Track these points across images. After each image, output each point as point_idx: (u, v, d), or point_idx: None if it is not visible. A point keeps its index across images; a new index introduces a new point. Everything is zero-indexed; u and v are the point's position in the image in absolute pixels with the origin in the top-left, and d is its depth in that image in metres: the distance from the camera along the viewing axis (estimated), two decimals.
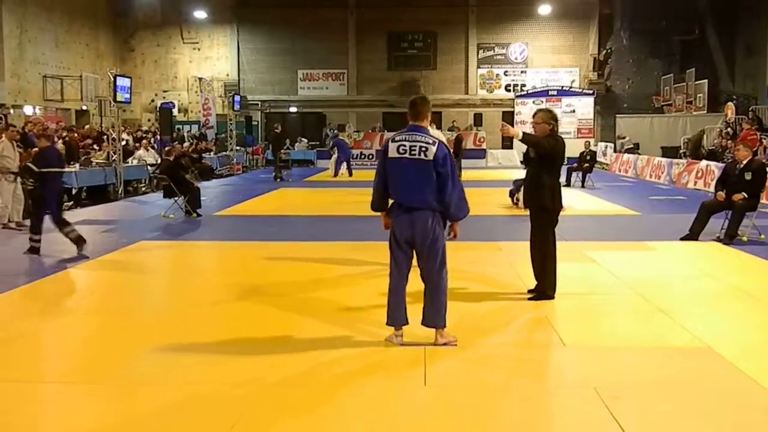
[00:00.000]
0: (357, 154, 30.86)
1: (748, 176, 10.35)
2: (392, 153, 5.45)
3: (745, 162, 10.53)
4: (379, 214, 5.77)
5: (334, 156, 25.75)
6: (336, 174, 25.18)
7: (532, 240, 6.99)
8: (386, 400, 4.51)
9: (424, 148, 5.36)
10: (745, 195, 10.26)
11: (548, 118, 6.98)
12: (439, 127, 18.54)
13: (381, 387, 4.74)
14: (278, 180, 23.39)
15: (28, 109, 25.86)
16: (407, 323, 5.52)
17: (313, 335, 5.85)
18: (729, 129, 22.90)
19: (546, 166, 6.87)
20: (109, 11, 33.05)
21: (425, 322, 5.49)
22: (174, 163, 14.57)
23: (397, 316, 5.49)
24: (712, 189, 11.64)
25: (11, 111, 24.44)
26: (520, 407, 4.42)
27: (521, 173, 14.61)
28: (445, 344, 5.44)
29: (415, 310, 5.50)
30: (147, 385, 4.80)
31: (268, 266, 9.06)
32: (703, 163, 19.95)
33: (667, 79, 31.66)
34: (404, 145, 5.44)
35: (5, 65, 24.56)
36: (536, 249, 6.94)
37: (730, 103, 26.01)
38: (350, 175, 25.04)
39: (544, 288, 6.88)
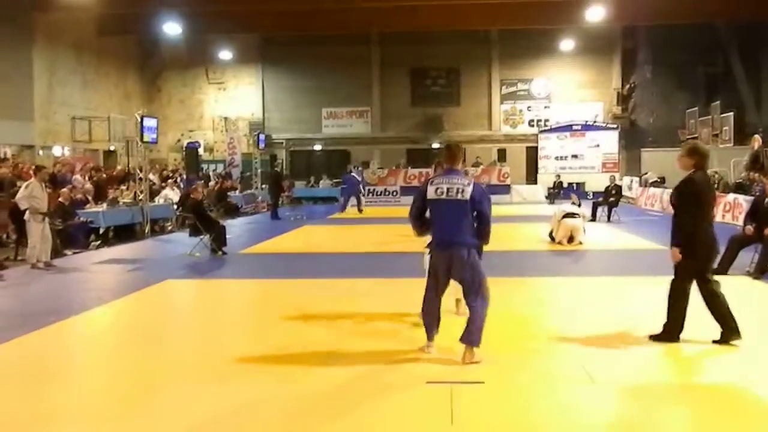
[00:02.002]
0: (381, 191, 30.97)
1: None
2: (431, 194, 6.03)
3: None
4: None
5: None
6: (343, 209, 25.29)
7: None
8: None
9: (460, 189, 5.93)
10: None
11: (692, 152, 6.55)
12: (462, 164, 18.48)
13: (407, 426, 4.69)
14: (278, 218, 23.32)
15: (57, 150, 26.23)
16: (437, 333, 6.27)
17: (340, 373, 5.81)
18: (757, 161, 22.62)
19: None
20: (137, 52, 33.59)
21: (462, 339, 5.94)
22: (199, 202, 14.68)
23: (430, 333, 6.27)
24: (740, 222, 11.48)
25: (40, 152, 24.85)
26: None
27: (547, 208, 14.57)
28: (471, 362, 5.83)
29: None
30: (174, 420, 4.78)
31: (295, 303, 9.03)
32: (731, 196, 19.74)
33: (692, 112, 31.47)
34: (441, 188, 6.00)
35: (35, 107, 24.97)
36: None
37: (756, 135, 25.74)
38: (360, 211, 25.14)
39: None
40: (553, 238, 14.62)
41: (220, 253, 13.89)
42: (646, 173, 28.87)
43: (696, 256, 6.45)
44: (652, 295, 8.94)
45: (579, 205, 15.52)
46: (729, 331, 6.47)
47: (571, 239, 14.24)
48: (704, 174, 6.62)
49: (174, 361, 6.42)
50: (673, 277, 6.66)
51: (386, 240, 16.09)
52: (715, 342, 6.47)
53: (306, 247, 15.33)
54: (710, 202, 6.67)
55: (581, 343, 6.51)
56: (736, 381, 5.45)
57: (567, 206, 15.32)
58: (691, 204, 6.39)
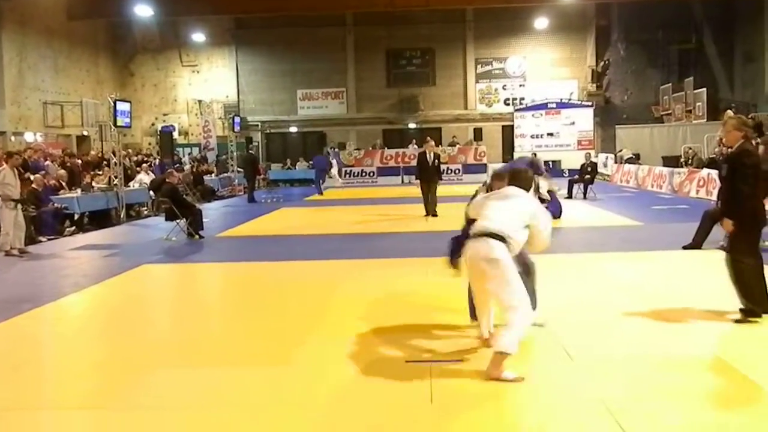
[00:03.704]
0: (358, 172, 30.97)
1: None
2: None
3: None
4: None
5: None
6: (320, 192, 25.30)
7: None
8: (392, 418, 4.47)
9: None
10: None
11: (740, 124, 6.57)
12: (439, 144, 18.51)
13: (386, 405, 4.70)
14: (254, 201, 23.32)
15: (28, 136, 25.92)
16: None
17: (319, 354, 5.82)
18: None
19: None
20: (109, 37, 33.18)
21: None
22: (175, 186, 14.59)
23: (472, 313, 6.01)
24: (714, 197, 11.60)
25: (12, 138, 24.53)
26: (527, 423, 4.38)
27: None
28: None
29: None
30: (152, 409, 4.77)
31: (272, 286, 9.04)
32: (705, 171, 19.93)
33: (665, 88, 31.67)
34: None
35: (5, 93, 24.63)
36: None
37: (729, 111, 25.98)
38: (320, 193, 25.22)
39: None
40: None
41: (196, 237, 13.83)
42: (620, 150, 29.07)
43: (754, 230, 6.41)
44: (627, 269, 9.05)
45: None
46: (753, 308, 6.36)
47: None
48: (754, 146, 6.55)
49: (152, 346, 6.39)
50: (731, 256, 6.47)
51: (364, 221, 16.09)
52: (737, 321, 6.36)
53: (283, 230, 15.29)
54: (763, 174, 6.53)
55: (558, 319, 6.55)
56: (711, 353, 5.52)
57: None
58: (748, 176, 6.28)
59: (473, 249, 5.22)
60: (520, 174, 5.61)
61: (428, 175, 16.48)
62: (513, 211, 5.26)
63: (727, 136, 6.66)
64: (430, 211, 16.33)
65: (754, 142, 7.76)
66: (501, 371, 5.04)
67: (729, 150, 6.59)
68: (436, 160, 16.52)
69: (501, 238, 5.11)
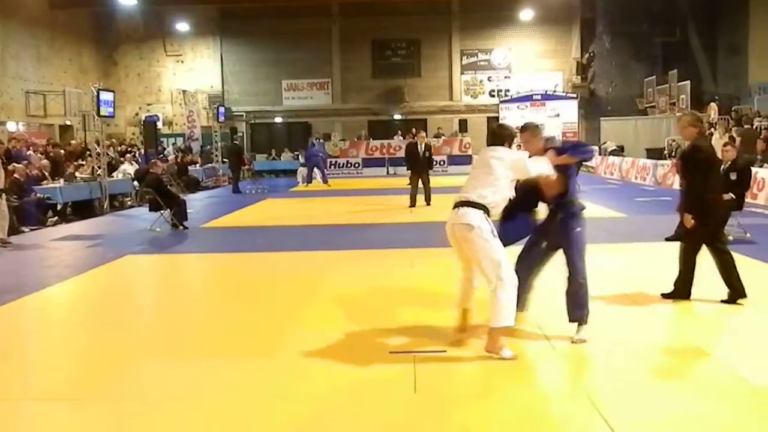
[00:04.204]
0: (344, 163, 30.92)
1: (733, 176, 10.36)
2: None
3: (730, 162, 10.55)
4: None
5: (302, 168, 26.26)
6: (309, 182, 25.30)
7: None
8: (376, 408, 4.49)
9: None
10: (733, 196, 10.28)
11: (694, 120, 6.80)
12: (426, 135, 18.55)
13: (371, 395, 4.72)
14: (239, 192, 23.30)
15: (11, 126, 25.71)
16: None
17: (303, 345, 5.81)
18: (712, 129, 23.00)
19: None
20: (92, 26, 32.91)
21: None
22: (159, 177, 14.52)
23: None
24: None
25: None
26: (511, 413, 4.41)
27: None
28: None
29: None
30: (134, 400, 4.76)
31: (256, 277, 9.03)
32: None
33: (650, 81, 31.82)
34: None
35: None
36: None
37: (712, 104, 26.17)
38: (325, 182, 25.18)
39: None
40: None
41: (180, 227, 13.78)
42: (605, 143, 29.19)
43: (709, 222, 6.67)
44: (610, 261, 9.09)
45: None
46: (735, 292, 6.72)
47: None
48: (707, 141, 6.86)
49: (136, 338, 6.38)
50: (683, 243, 6.86)
51: (349, 212, 16.09)
52: (723, 301, 6.70)
53: (268, 221, 15.25)
54: (717, 168, 6.84)
55: (542, 310, 6.58)
56: (692, 344, 5.56)
57: None
58: (700, 170, 6.53)
59: (449, 219, 5.39)
60: (494, 132, 5.66)
61: (419, 166, 16.66)
62: (491, 174, 5.33)
63: (682, 132, 6.89)
64: (416, 202, 16.49)
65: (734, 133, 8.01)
66: (498, 348, 5.21)
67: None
68: (427, 152, 16.65)
69: (474, 205, 5.23)
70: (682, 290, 6.85)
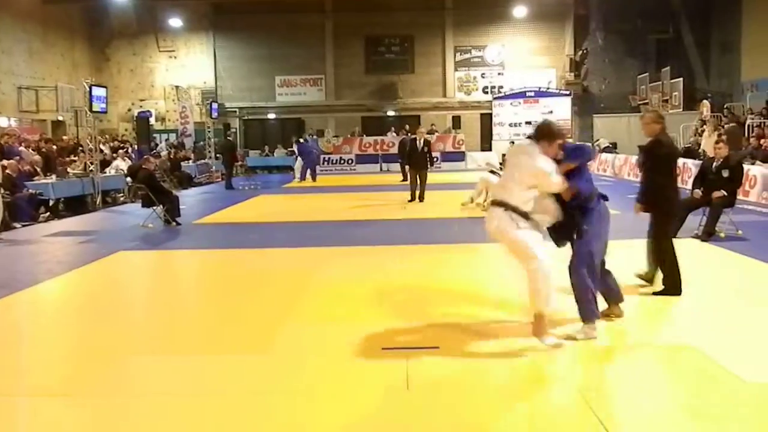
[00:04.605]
0: (337, 159, 30.89)
1: (725, 173, 10.40)
2: None
3: (722, 159, 10.58)
4: None
5: (299, 161, 26.11)
6: (302, 179, 25.29)
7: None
8: (368, 404, 4.49)
9: None
10: (725, 193, 10.33)
11: (657, 117, 7.09)
12: (416, 132, 18.64)
13: (363, 392, 4.72)
14: (231, 188, 23.24)
15: (2, 121, 25.58)
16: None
17: (296, 341, 5.82)
18: (704, 127, 23.09)
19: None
20: (84, 21, 32.77)
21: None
22: (151, 173, 14.49)
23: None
24: (689, 186, 11.69)
25: None
26: (503, 410, 4.42)
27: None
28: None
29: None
30: (127, 396, 4.76)
31: (249, 273, 9.02)
32: (680, 160, 20.07)
33: (643, 78, 31.88)
34: None
35: None
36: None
37: (705, 101, 26.25)
38: (314, 180, 25.10)
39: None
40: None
41: (173, 223, 13.76)
42: (598, 139, 29.24)
43: (669, 214, 7.01)
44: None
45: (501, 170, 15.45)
46: (672, 286, 6.97)
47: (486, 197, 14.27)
48: (668, 137, 7.17)
49: (128, 334, 6.37)
50: (651, 238, 7.07)
51: (342, 208, 16.08)
52: (655, 294, 6.99)
53: (261, 217, 15.23)
54: (676, 163, 7.21)
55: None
56: (686, 342, 5.57)
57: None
58: (661, 165, 6.87)
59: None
60: (538, 127, 5.70)
61: (418, 161, 16.79)
62: (513, 179, 5.48)
63: (645, 128, 7.06)
64: (416, 197, 16.71)
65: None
66: (542, 334, 5.44)
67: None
68: (426, 147, 16.73)
69: (502, 204, 5.41)
70: (674, 286, 6.95)
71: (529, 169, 5.38)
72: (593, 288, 5.61)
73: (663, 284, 7.03)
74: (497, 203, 5.45)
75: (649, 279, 7.28)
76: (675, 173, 7.11)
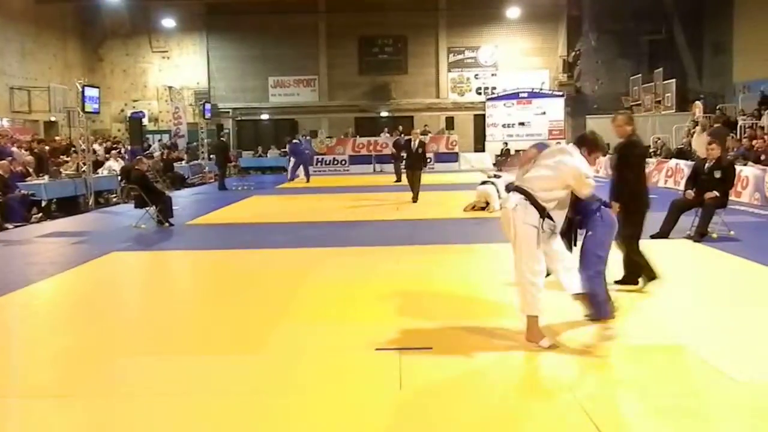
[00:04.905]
0: (330, 160, 30.88)
1: (717, 174, 10.44)
2: None
3: (714, 160, 10.61)
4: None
5: (292, 161, 26.09)
6: (292, 179, 25.29)
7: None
8: (361, 404, 4.50)
9: None
10: (717, 194, 10.36)
11: (629, 119, 7.43)
12: (410, 132, 18.78)
13: (356, 392, 4.72)
14: (225, 189, 23.19)
15: None
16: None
17: (289, 342, 5.82)
18: (697, 128, 23.16)
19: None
20: (77, 21, 32.69)
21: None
22: (144, 173, 14.46)
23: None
24: (682, 187, 11.74)
25: None
26: (496, 411, 4.42)
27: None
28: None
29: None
30: (120, 397, 4.75)
31: (242, 274, 9.01)
32: (673, 161, 20.16)
33: (635, 79, 31.96)
34: None
35: None
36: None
37: (698, 102, 26.31)
38: (307, 180, 25.09)
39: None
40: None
41: (166, 224, 13.74)
42: None
43: (639, 212, 7.14)
44: None
45: (495, 176, 15.50)
46: (630, 276, 7.31)
47: (486, 206, 14.35)
48: (640, 138, 7.53)
49: (121, 334, 6.36)
50: (623, 239, 7.05)
51: (335, 209, 16.08)
52: (616, 282, 7.17)
53: (254, 218, 15.22)
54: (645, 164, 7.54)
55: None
56: (677, 342, 5.59)
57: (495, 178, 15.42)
58: (635, 165, 7.15)
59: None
60: (584, 136, 5.97)
61: (413, 162, 17.07)
62: (550, 173, 5.48)
63: (617, 130, 7.32)
64: (414, 197, 16.90)
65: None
66: (536, 338, 5.45)
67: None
68: (420, 148, 16.88)
69: (524, 193, 5.43)
70: (651, 274, 7.15)
71: (571, 170, 5.41)
72: (603, 290, 5.74)
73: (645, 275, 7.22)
74: (520, 190, 5.44)
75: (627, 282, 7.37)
76: (645, 172, 7.42)
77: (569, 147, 5.64)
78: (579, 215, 5.76)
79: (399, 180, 22.60)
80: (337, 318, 6.54)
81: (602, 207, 5.88)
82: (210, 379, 5.03)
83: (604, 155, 5.83)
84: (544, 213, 5.36)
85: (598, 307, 5.72)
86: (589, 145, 5.67)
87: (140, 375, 5.19)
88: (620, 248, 7.16)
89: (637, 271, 7.26)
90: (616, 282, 7.24)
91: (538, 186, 5.39)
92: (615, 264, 6.96)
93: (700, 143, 20.39)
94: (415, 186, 16.92)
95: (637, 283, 7.25)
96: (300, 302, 7.25)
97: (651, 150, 24.48)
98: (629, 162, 7.12)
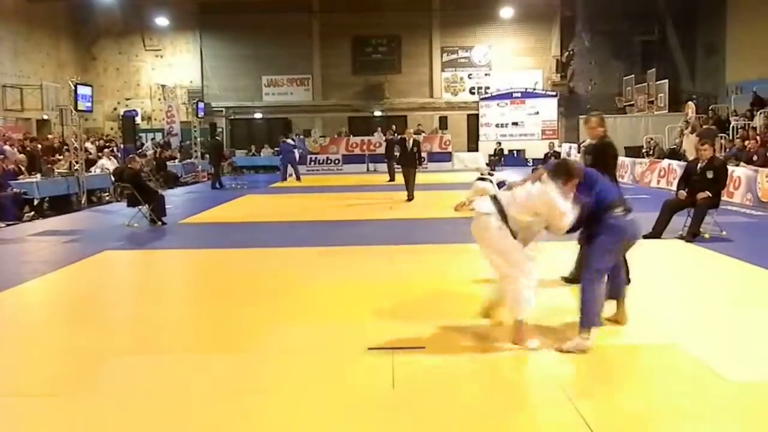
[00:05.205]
0: (323, 159, 30.87)
1: (710, 175, 10.47)
2: None
3: (706, 161, 10.64)
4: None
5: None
6: (284, 179, 25.33)
7: None
8: (354, 403, 4.50)
9: None
10: (709, 194, 10.39)
11: (601, 121, 7.57)
12: (404, 132, 18.86)
13: (349, 391, 4.73)
14: (217, 187, 23.13)
15: None
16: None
17: (282, 341, 5.82)
18: (690, 129, 23.23)
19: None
20: (70, 19, 32.59)
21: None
22: (137, 172, 14.44)
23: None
24: (674, 187, 11.78)
25: None
26: (488, 409, 4.43)
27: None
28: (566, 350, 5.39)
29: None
30: (112, 396, 4.74)
31: (236, 273, 9.00)
32: (665, 161, 20.21)
33: (628, 79, 32.04)
34: None
35: None
36: None
37: (690, 102, 26.38)
38: (297, 179, 25.13)
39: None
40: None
41: (159, 223, 13.71)
42: (584, 141, 29.34)
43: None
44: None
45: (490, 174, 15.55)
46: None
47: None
48: (611, 139, 7.68)
49: (113, 333, 6.35)
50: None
51: (329, 209, 16.09)
52: (563, 278, 7.54)
53: (247, 217, 15.20)
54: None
55: None
56: (669, 341, 5.61)
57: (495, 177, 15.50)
58: (611, 166, 7.24)
59: None
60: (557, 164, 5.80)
61: (407, 160, 17.24)
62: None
63: (591, 131, 7.52)
64: (409, 196, 17.02)
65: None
66: (522, 341, 5.47)
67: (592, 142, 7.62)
68: (415, 147, 17.03)
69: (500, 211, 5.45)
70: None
71: (544, 200, 5.35)
72: (598, 296, 5.55)
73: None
74: (496, 200, 5.48)
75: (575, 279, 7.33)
76: (615, 173, 7.52)
77: (544, 178, 5.47)
78: (592, 221, 5.64)
79: (392, 179, 22.63)
80: (329, 317, 6.54)
81: (617, 214, 5.69)
82: (202, 378, 5.03)
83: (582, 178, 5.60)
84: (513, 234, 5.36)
85: (588, 313, 5.48)
86: (564, 174, 5.57)
87: (132, 374, 5.18)
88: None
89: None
90: (563, 278, 7.53)
91: (513, 203, 5.41)
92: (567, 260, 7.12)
93: (689, 144, 20.50)
94: (411, 184, 17.03)
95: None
96: (292, 301, 7.25)
97: (644, 150, 24.60)
98: (606, 163, 7.10)
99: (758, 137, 18.90)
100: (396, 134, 25.79)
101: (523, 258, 5.40)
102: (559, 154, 22.52)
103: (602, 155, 7.23)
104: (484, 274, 7.93)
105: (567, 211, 5.31)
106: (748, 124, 21.74)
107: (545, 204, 5.32)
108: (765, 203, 14.68)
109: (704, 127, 22.08)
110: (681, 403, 4.42)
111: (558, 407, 4.34)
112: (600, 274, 5.55)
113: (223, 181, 23.76)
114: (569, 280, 7.43)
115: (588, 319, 5.44)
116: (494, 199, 5.50)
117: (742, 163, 17.08)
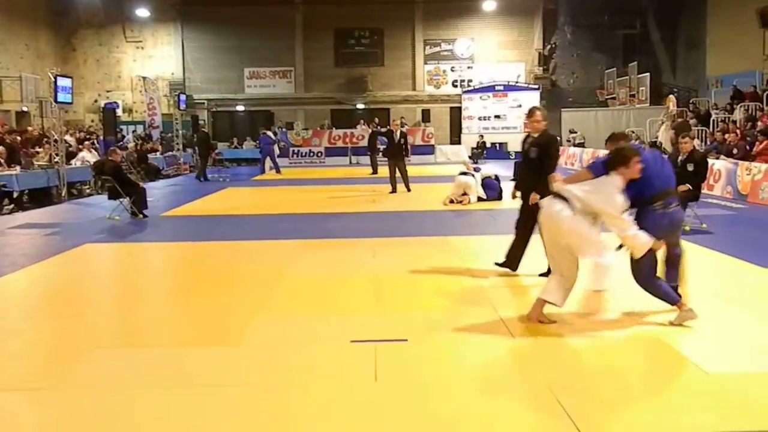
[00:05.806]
0: (306, 152, 30.80)
1: (690, 168, 10.52)
2: None
3: (687, 154, 10.69)
4: None
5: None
6: (262, 171, 25.28)
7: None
8: (336, 396, 4.49)
9: None
10: (690, 187, 10.43)
11: (545, 116, 7.77)
12: (387, 124, 18.86)
13: (332, 384, 4.72)
14: (202, 180, 23.11)
15: None
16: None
17: (265, 334, 5.81)
18: (668, 122, 23.39)
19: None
20: (49, 10, 32.28)
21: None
22: (118, 164, 14.33)
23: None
24: None
25: None
26: (471, 402, 4.44)
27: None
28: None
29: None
30: (93, 389, 4.70)
31: (218, 266, 8.96)
32: None
33: (610, 72, 32.20)
34: None
35: None
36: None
37: (671, 96, 26.54)
38: (277, 172, 25.12)
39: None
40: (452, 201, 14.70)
41: (140, 216, 13.63)
42: (575, 133, 29.47)
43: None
44: None
45: (474, 170, 15.61)
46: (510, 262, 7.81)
47: (464, 196, 14.46)
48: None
49: (94, 327, 6.30)
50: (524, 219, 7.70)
51: (311, 201, 16.06)
52: (497, 263, 7.90)
53: (230, 209, 15.14)
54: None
55: (502, 301, 6.65)
56: (649, 333, 5.65)
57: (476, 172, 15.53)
58: (554, 158, 7.62)
59: None
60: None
61: (394, 152, 17.27)
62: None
63: (535, 125, 7.67)
64: (396, 188, 17.04)
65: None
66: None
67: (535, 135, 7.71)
68: (402, 139, 17.05)
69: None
70: (513, 266, 7.81)
71: (603, 199, 5.64)
72: (661, 284, 5.89)
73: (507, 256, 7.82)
74: (560, 197, 5.74)
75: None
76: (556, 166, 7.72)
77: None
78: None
79: (375, 172, 22.62)
80: (312, 310, 6.53)
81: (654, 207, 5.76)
82: (184, 371, 5.01)
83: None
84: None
85: (668, 297, 5.84)
86: (621, 162, 5.67)
87: (112, 367, 5.14)
88: (517, 234, 7.77)
89: (518, 259, 7.75)
90: (497, 263, 7.88)
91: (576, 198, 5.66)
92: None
93: (666, 137, 20.67)
94: (404, 176, 17.12)
95: (515, 269, 7.74)
96: (275, 294, 7.23)
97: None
98: (551, 155, 7.49)
99: (738, 130, 19.05)
100: (379, 126, 25.78)
101: (599, 238, 5.69)
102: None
103: (550, 149, 7.53)
104: (468, 267, 7.97)
105: (620, 211, 5.61)
106: (728, 117, 21.90)
107: (601, 210, 5.64)
108: (745, 196, 14.81)
109: (678, 120, 22.26)
110: (661, 394, 4.45)
111: (540, 399, 4.36)
112: (649, 267, 5.83)
113: (207, 174, 23.65)
114: (503, 264, 7.87)
115: (671, 299, 5.82)
116: (559, 197, 5.73)
117: (722, 156, 17.21)
